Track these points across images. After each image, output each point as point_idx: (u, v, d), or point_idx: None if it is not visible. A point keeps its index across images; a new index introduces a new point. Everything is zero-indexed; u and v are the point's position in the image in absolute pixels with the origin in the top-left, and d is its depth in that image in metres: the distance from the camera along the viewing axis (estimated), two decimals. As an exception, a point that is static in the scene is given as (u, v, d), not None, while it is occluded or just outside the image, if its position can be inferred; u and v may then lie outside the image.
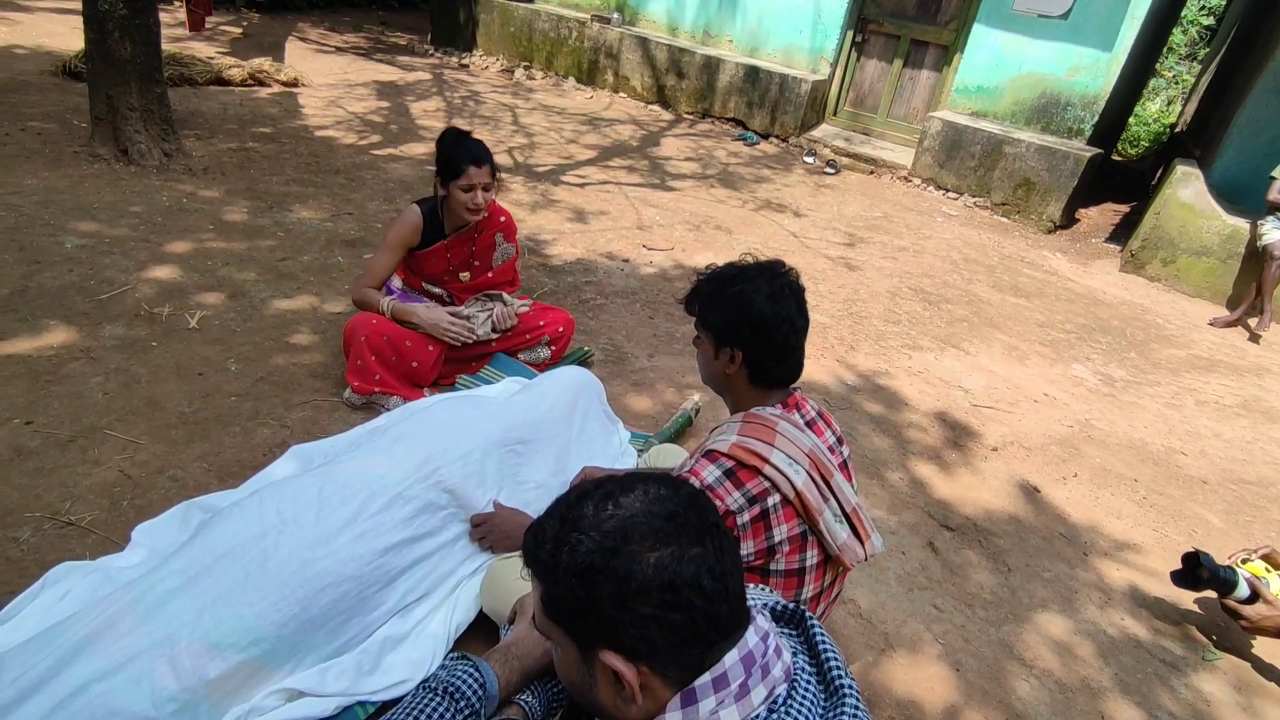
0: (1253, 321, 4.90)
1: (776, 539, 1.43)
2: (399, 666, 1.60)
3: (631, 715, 0.77)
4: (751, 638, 0.77)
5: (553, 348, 2.83)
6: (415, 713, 0.91)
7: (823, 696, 0.79)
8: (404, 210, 2.56)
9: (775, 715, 0.75)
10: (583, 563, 0.73)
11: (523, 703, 0.99)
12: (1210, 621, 2.32)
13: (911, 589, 2.21)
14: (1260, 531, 2.81)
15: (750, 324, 1.43)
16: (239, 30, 7.57)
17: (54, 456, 2.05)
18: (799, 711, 0.75)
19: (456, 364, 2.67)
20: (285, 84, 6.01)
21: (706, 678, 0.74)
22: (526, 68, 8.18)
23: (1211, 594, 2.19)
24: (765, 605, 0.89)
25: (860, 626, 2.04)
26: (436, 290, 2.72)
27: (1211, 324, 4.89)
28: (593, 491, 0.78)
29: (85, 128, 4.14)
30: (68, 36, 5.99)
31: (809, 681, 0.79)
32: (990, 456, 2.94)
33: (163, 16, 4.61)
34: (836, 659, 0.82)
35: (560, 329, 2.83)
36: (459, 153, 2.43)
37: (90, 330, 2.58)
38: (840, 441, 1.59)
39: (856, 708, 0.77)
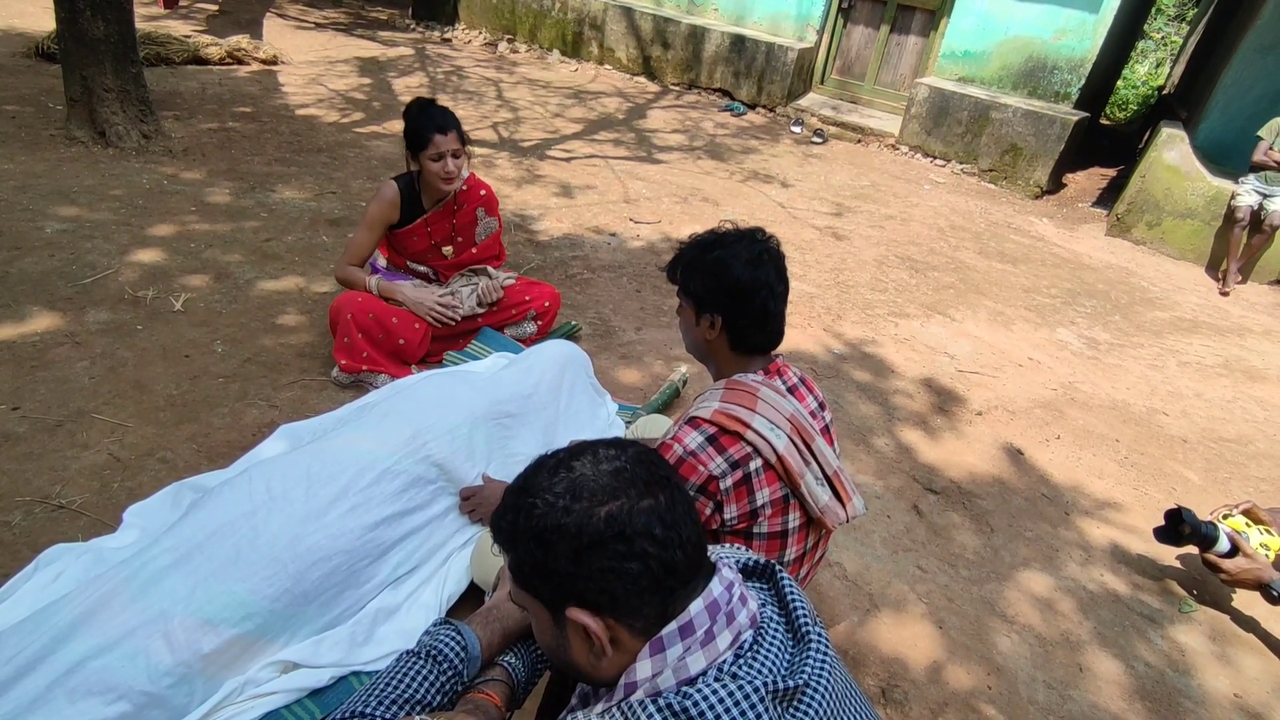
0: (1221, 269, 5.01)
1: (759, 502, 1.45)
2: (392, 637, 1.63)
3: (605, 669, 0.80)
4: (716, 587, 0.79)
5: (539, 322, 2.83)
6: (399, 676, 0.93)
7: (790, 643, 0.82)
8: (381, 186, 2.54)
9: (742, 659, 0.77)
10: (537, 525, 0.77)
11: (505, 664, 1.02)
12: (1189, 576, 2.38)
13: (896, 551, 2.25)
14: (1238, 488, 2.86)
15: (729, 289, 1.44)
16: (215, 7, 7.42)
17: (42, 441, 2.05)
18: (765, 655, 0.78)
19: (444, 340, 2.67)
20: (264, 62, 5.92)
21: (673, 626, 0.77)
22: (510, 41, 8.07)
23: (1193, 549, 2.24)
24: (736, 561, 0.92)
25: (846, 588, 2.08)
26: (422, 269, 2.72)
27: (1223, 293, 4.93)
28: (546, 461, 0.82)
29: (61, 110, 4.08)
30: (39, 17, 5.87)
31: (777, 629, 0.82)
32: (975, 421, 2.98)
33: (135, -6, 4.51)
34: (804, 610, 0.84)
35: (546, 304, 2.83)
36: (423, 122, 2.41)
37: (74, 315, 2.57)
38: (822, 407, 1.61)
39: (825, 653, 0.80)
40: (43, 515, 1.84)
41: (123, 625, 1.38)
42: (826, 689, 0.78)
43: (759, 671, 0.76)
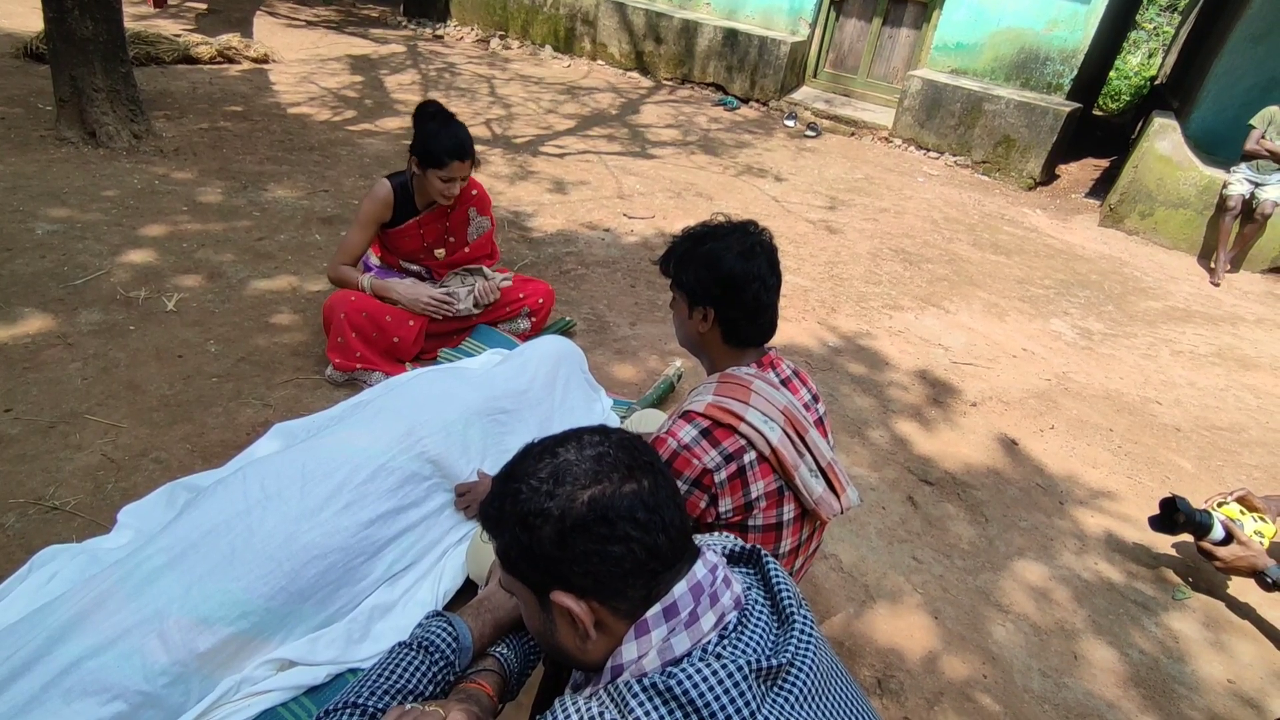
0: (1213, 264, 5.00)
1: (753, 495, 1.46)
2: (388, 634, 1.63)
3: (592, 652, 0.81)
4: (700, 570, 0.80)
5: (533, 319, 2.83)
6: (391, 667, 0.94)
7: (775, 625, 0.83)
8: (374, 184, 2.53)
9: (726, 640, 0.78)
10: (522, 509, 0.78)
11: (498, 654, 1.02)
12: (1184, 564, 2.39)
13: (892, 542, 2.26)
14: (1231, 476, 2.88)
15: (721, 281, 1.44)
16: (204, 5, 7.38)
17: (35, 443, 2.04)
18: (750, 636, 0.79)
19: (438, 338, 2.67)
20: (255, 60, 5.89)
21: (657, 608, 0.78)
22: (502, 37, 8.05)
23: (1188, 538, 2.25)
24: (723, 548, 0.92)
25: (842, 580, 2.09)
26: (415, 268, 2.71)
27: (1214, 283, 4.90)
28: (532, 448, 0.83)
29: (50, 111, 4.06)
30: (27, 17, 5.83)
31: (762, 611, 0.83)
32: (970, 412, 2.99)
33: (124, -7, 4.49)
34: (790, 594, 0.85)
35: (540, 300, 2.83)
36: (443, 143, 2.35)
37: (66, 316, 2.56)
38: (816, 399, 1.62)
39: (809, 634, 0.80)
40: (37, 517, 1.84)
41: (118, 625, 1.38)
42: (811, 668, 0.79)
43: (743, 651, 0.77)
